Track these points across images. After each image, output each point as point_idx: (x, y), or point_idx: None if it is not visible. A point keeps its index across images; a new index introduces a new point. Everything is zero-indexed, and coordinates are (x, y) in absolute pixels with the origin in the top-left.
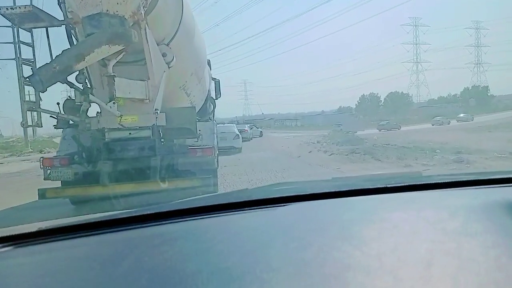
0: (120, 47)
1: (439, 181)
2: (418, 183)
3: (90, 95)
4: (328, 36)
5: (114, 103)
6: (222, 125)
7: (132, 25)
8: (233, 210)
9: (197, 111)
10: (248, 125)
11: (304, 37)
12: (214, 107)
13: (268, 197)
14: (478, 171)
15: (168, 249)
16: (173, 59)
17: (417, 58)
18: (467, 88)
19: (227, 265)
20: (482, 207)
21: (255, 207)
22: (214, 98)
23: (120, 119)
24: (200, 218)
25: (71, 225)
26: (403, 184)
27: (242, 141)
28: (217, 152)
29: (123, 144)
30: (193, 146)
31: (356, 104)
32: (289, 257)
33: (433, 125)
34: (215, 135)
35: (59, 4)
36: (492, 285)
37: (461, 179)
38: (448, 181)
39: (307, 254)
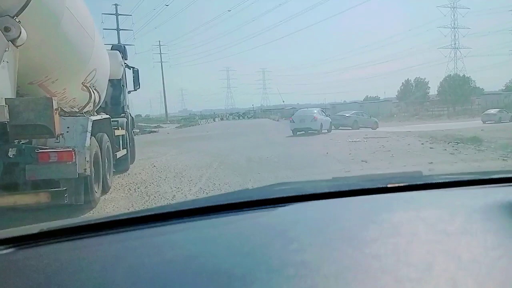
0: None
1: (440, 181)
2: (418, 183)
3: None
4: (352, 20)
5: None
6: (305, 109)
7: None
8: (233, 210)
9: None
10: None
11: (326, 21)
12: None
13: (267, 197)
14: (478, 170)
15: (168, 250)
16: (20, 35)
17: (455, 44)
18: None
19: (227, 266)
20: (483, 207)
21: (255, 208)
22: (133, 89)
23: None
24: (200, 219)
25: (73, 226)
26: (403, 184)
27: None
28: (97, 156)
29: None
30: (45, 148)
31: (398, 91)
32: (289, 257)
33: None
34: (88, 134)
35: None
36: (493, 285)
37: (462, 179)
38: (449, 180)
39: (307, 255)
